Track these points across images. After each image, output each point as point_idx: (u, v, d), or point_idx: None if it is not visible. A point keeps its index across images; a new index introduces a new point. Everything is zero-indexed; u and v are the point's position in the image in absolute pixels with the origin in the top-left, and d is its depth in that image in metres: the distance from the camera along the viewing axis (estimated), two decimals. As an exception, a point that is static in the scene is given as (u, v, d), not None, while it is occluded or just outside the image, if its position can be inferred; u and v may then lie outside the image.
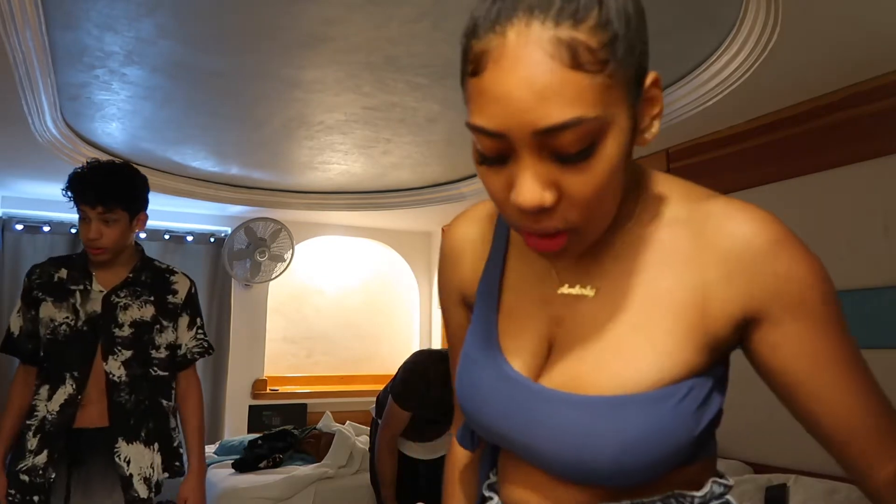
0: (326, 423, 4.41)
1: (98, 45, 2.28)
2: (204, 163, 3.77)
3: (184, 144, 3.44)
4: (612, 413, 0.60)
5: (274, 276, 4.75)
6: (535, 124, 0.53)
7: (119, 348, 1.88)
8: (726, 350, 0.63)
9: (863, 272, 2.25)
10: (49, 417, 1.83)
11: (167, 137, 3.32)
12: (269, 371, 4.86)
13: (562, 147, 0.53)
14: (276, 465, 3.87)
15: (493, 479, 0.77)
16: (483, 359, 0.70)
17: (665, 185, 0.68)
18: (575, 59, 0.52)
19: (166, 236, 4.61)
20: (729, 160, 2.74)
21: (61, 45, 2.28)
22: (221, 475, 3.69)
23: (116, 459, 1.84)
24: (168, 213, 4.61)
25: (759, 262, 0.59)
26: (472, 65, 0.56)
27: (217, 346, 4.70)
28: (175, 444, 1.99)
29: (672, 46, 2.21)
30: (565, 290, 0.68)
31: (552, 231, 0.57)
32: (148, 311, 1.94)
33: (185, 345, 2.02)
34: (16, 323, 1.95)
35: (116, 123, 3.10)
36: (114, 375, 1.86)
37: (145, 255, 2.05)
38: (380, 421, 2.85)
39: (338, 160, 3.69)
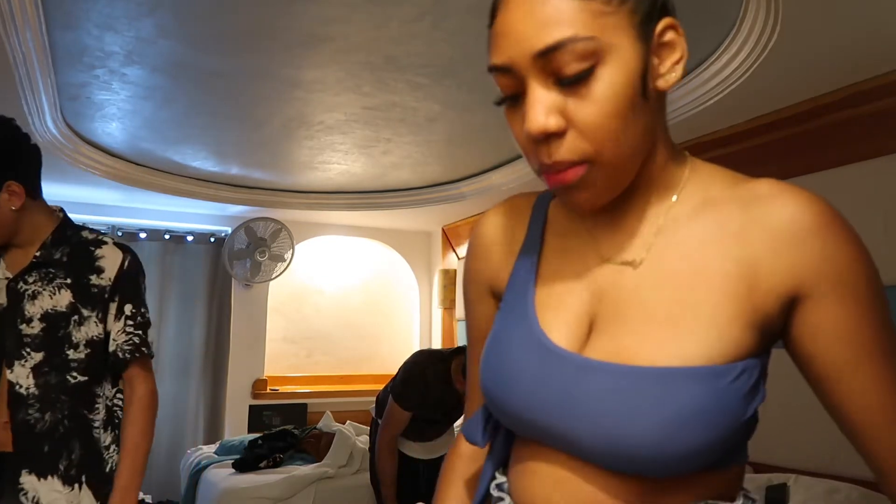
0: (327, 422, 4.41)
1: (98, 45, 2.28)
2: (204, 163, 3.77)
3: (184, 144, 3.44)
4: (658, 385, 0.57)
5: (274, 275, 4.75)
6: (533, 48, 0.57)
7: (27, 350, 1.45)
8: (773, 332, 0.61)
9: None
10: None
11: (167, 137, 3.32)
12: (270, 371, 4.86)
13: (561, 68, 0.57)
14: (276, 464, 3.87)
15: (500, 478, 0.73)
16: (518, 334, 0.67)
17: (710, 168, 0.68)
18: None
19: (166, 236, 4.61)
20: (729, 159, 2.73)
21: (61, 45, 2.28)
22: (221, 475, 3.69)
23: (22, 499, 1.41)
24: (168, 212, 4.62)
25: (806, 239, 0.58)
26: (490, 17, 0.61)
27: (217, 346, 4.70)
28: (108, 470, 1.54)
29: (672, 46, 2.21)
30: (607, 263, 0.66)
31: (566, 165, 0.59)
32: (63, 299, 1.49)
33: (114, 340, 1.54)
34: None
35: (116, 123, 3.10)
36: (20, 387, 1.44)
37: (64, 225, 1.57)
38: (380, 421, 2.85)
39: (338, 160, 3.69)
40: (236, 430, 4.61)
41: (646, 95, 0.60)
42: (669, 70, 0.61)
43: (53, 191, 3.97)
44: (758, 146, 2.63)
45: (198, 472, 3.87)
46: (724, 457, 0.60)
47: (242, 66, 2.46)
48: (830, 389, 0.60)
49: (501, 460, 0.75)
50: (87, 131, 3.23)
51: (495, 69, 0.60)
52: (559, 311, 0.67)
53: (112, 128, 3.16)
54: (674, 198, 0.65)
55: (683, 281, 0.61)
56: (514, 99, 0.61)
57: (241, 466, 3.77)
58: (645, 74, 0.59)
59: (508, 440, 0.74)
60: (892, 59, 2.09)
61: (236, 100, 2.80)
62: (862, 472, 1.95)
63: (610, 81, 0.57)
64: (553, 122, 0.57)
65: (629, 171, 0.62)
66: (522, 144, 0.62)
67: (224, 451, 4.07)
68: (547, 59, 0.57)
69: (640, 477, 0.60)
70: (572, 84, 0.57)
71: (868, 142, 2.25)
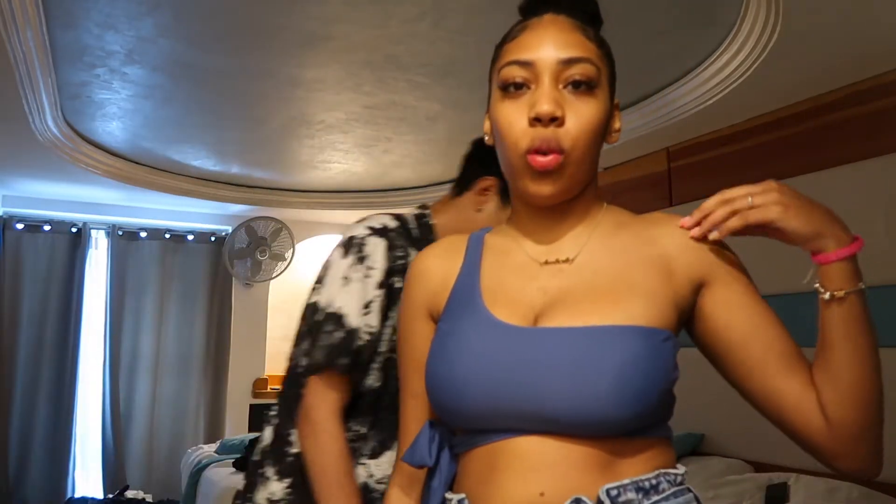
0: (327, 421, 4.40)
1: (98, 45, 2.28)
2: (205, 162, 3.77)
3: (184, 143, 3.44)
4: (608, 338, 0.68)
5: (275, 274, 4.76)
6: (560, 55, 0.74)
7: None
8: (684, 312, 0.75)
9: (864, 271, 2.24)
10: (379, 487, 1.15)
11: (168, 136, 3.32)
12: (270, 370, 4.86)
13: (574, 75, 0.74)
14: (276, 463, 3.87)
15: (456, 496, 0.74)
16: (471, 324, 0.75)
17: (616, 208, 0.84)
18: (585, 32, 0.77)
19: (167, 235, 4.61)
20: (729, 159, 2.74)
21: (62, 45, 2.28)
22: (222, 474, 3.69)
23: None
24: (169, 212, 4.62)
25: (703, 243, 0.76)
26: (512, 36, 0.78)
27: (218, 346, 4.70)
28: None
29: (672, 45, 2.21)
30: (545, 265, 0.78)
31: (555, 146, 0.73)
32: None
33: None
34: (359, 317, 1.14)
35: (117, 122, 3.10)
36: None
37: None
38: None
39: (338, 159, 3.70)
40: (237, 429, 4.61)
41: (603, 136, 0.77)
42: (611, 133, 0.79)
43: (54, 190, 3.96)
44: (758, 146, 2.63)
45: (198, 471, 3.87)
46: (659, 423, 0.71)
47: (243, 66, 2.46)
48: (743, 350, 0.74)
49: (449, 479, 0.77)
50: (88, 130, 3.23)
51: (517, 62, 0.76)
52: (507, 306, 0.75)
53: (112, 127, 3.17)
54: (598, 220, 0.81)
55: (618, 269, 0.75)
56: (519, 87, 0.75)
57: (242, 465, 3.77)
58: (608, 121, 0.77)
59: (454, 457, 0.77)
60: (892, 59, 2.10)
61: (237, 99, 2.80)
62: (862, 472, 1.95)
63: (596, 105, 0.74)
64: (560, 110, 0.72)
65: (581, 182, 0.77)
66: (516, 126, 0.74)
67: (224, 450, 4.07)
68: (566, 67, 0.74)
69: (601, 445, 0.68)
70: (577, 91, 0.74)
71: (868, 141, 2.25)
